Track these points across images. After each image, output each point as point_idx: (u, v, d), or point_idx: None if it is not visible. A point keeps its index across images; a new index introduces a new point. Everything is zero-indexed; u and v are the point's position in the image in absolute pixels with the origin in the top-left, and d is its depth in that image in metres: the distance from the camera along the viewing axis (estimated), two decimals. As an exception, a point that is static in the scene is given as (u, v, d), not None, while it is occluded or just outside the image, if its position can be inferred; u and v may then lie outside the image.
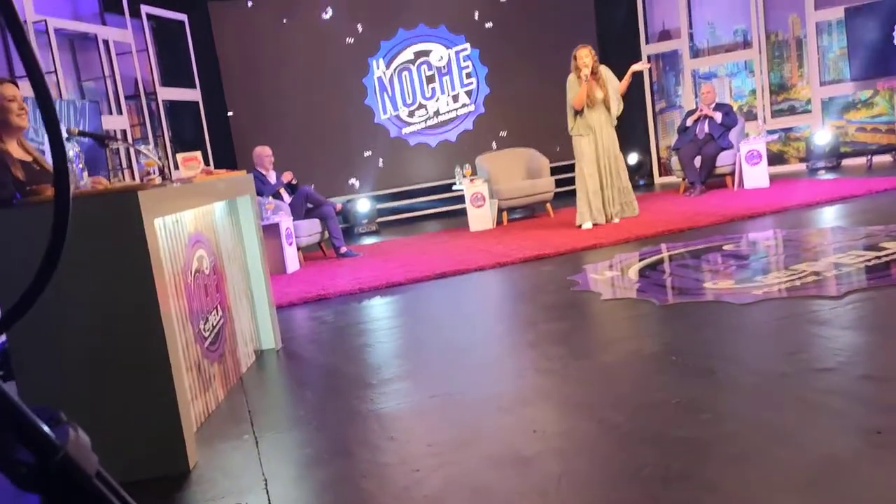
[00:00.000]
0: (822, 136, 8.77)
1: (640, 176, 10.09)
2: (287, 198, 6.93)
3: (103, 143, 3.11)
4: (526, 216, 8.37)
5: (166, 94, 7.93)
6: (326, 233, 6.99)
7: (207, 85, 8.59)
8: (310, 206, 6.96)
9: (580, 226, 6.61)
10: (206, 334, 2.89)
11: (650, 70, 10.05)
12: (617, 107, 6.67)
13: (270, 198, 6.50)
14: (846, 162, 8.79)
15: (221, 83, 8.79)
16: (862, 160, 8.53)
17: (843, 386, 2.30)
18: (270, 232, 6.28)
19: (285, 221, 6.35)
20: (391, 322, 4.21)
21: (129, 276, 2.21)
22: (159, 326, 2.22)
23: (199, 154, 3.30)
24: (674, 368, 2.70)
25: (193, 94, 8.37)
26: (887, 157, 8.52)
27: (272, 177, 6.94)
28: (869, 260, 3.88)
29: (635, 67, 6.95)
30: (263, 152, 6.96)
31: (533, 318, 3.87)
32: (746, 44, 9.47)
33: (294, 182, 7.01)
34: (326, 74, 9.09)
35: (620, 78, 6.74)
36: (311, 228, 6.88)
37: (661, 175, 10.17)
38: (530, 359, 3.11)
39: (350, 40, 9.13)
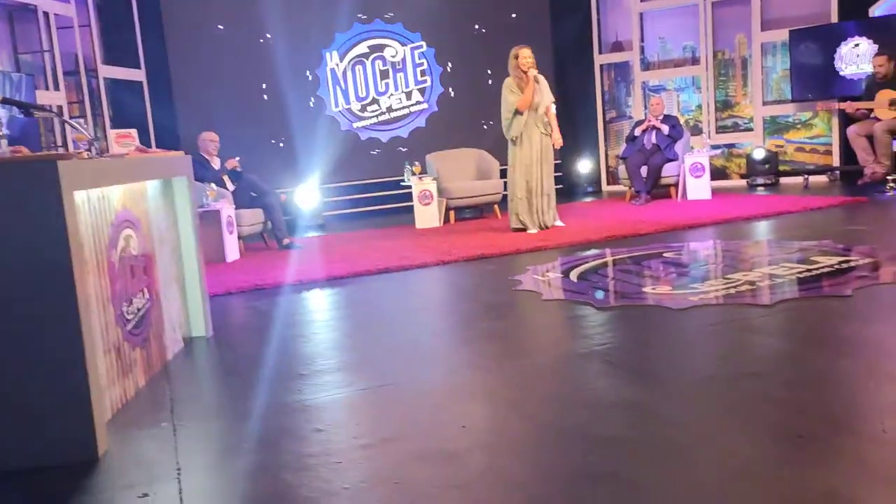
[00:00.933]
0: (763, 153, 9.00)
1: (587, 183, 10.19)
2: (231, 185, 6.77)
3: (29, 113, 2.96)
4: (474, 217, 8.36)
5: (108, 72, 7.66)
6: (270, 223, 6.85)
7: (153, 65, 8.34)
8: (254, 195, 6.82)
9: (513, 228, 6.52)
10: (130, 317, 2.77)
11: (601, 80, 10.17)
12: (548, 103, 6.53)
13: (213, 184, 6.33)
14: (784, 180, 9.03)
15: (168, 64, 8.54)
16: (799, 179, 8.77)
17: (767, 391, 2.32)
18: (210, 219, 6.12)
19: (227, 209, 6.20)
20: (328, 314, 4.13)
21: (43, 250, 2.09)
22: (73, 305, 2.10)
23: (134, 131, 3.17)
24: (607, 369, 2.70)
25: (137, 74, 8.12)
26: (823, 178, 8.78)
27: (216, 163, 6.77)
28: (800, 272, 3.97)
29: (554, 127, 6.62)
30: (209, 137, 6.79)
31: (472, 315, 3.84)
32: (695, 60, 9.65)
33: (239, 169, 6.85)
34: (279, 62, 8.92)
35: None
36: (253, 218, 6.73)
37: (608, 184, 10.29)
38: (465, 355, 3.08)
39: (305, 30, 8.98)
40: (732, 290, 3.70)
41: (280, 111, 8.96)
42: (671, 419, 2.17)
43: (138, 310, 2.87)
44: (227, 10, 8.79)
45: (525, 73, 6.45)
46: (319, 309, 4.29)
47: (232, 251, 6.26)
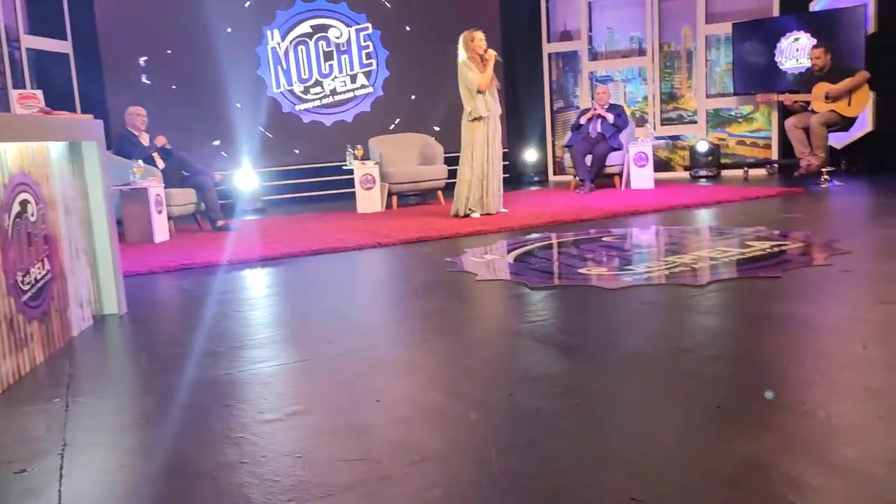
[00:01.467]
0: (705, 145, 9.08)
1: (533, 172, 10.16)
2: (161, 163, 6.50)
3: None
4: (417, 203, 8.23)
5: (32, 42, 7.28)
6: (203, 204, 6.61)
7: (81, 38, 7.96)
8: (186, 174, 6.57)
9: (462, 214, 6.45)
10: (25, 288, 2.57)
11: (550, 69, 10.14)
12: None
13: (140, 161, 6.06)
14: (725, 172, 9.13)
15: (97, 37, 8.18)
16: (739, 172, 8.88)
17: (693, 365, 2.26)
18: (138, 197, 5.88)
19: (155, 187, 5.95)
20: (255, 293, 3.96)
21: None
22: (-53, 264, 1.91)
23: (39, 93, 2.96)
24: (536, 346, 2.61)
25: (64, 46, 7.75)
26: (762, 171, 8.90)
27: (145, 139, 6.50)
28: (735, 256, 3.95)
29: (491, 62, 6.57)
30: (136, 111, 6.51)
31: (403, 295, 3.72)
32: (641, 51, 9.69)
33: (169, 147, 6.59)
34: (216, 38, 8.64)
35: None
36: (185, 198, 6.49)
37: (555, 173, 10.29)
38: (392, 333, 2.96)
39: (245, 4, 8.72)
40: (667, 272, 3.65)
41: (218, 90, 8.68)
42: (597, 393, 2.08)
43: (36, 280, 2.67)
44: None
45: (481, 54, 6.37)
46: (247, 288, 4.12)
47: (161, 231, 6.01)
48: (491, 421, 1.94)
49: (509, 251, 4.65)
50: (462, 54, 6.43)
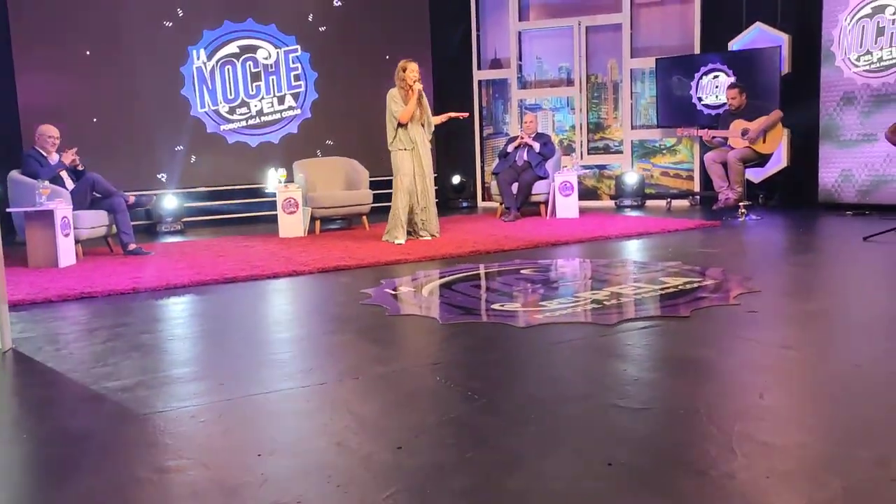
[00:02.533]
0: (630, 176, 9.25)
1: (462, 198, 10.16)
2: (69, 183, 6.22)
3: None
4: (342, 227, 8.11)
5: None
6: (115, 226, 6.34)
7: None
8: (97, 195, 6.30)
9: (390, 241, 6.45)
10: None
11: (480, 96, 10.20)
12: (430, 129, 6.66)
13: (47, 182, 5.78)
14: (650, 202, 9.31)
15: (10, 47, 7.81)
16: (663, 202, 9.06)
17: (590, 415, 2.22)
18: (42, 219, 5.60)
19: (62, 209, 5.67)
20: (152, 327, 3.77)
21: None
22: None
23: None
24: (436, 390, 2.53)
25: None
26: (685, 202, 9.11)
27: (54, 159, 6.21)
28: (647, 292, 3.97)
29: (453, 114, 6.99)
30: (47, 131, 6.22)
31: (310, 331, 3.60)
32: (569, 82, 9.84)
33: (80, 167, 6.31)
34: (138, 56, 8.38)
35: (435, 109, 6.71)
36: (96, 220, 6.21)
37: (484, 199, 10.30)
38: (290, 373, 2.83)
39: (168, 24, 8.49)
40: (579, 309, 3.64)
41: (139, 107, 8.40)
42: (491, 445, 2.01)
43: None
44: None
45: (411, 86, 6.39)
46: (146, 321, 3.91)
47: (67, 256, 5.73)
48: (375, 480, 1.84)
49: (426, 283, 4.58)
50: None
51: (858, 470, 1.76)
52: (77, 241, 5.98)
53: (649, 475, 1.77)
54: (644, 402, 2.32)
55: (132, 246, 6.24)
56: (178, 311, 4.15)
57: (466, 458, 1.93)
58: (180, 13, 8.53)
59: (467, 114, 7.22)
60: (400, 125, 6.44)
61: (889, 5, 7.19)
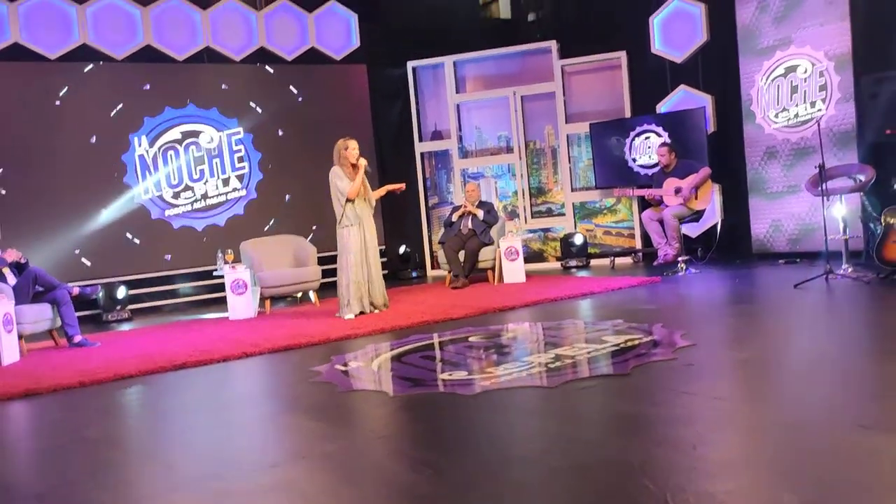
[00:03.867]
0: (574, 237, 9.50)
1: (411, 268, 10.28)
2: (12, 279, 6.14)
3: None
4: (291, 304, 8.12)
5: None
6: (59, 319, 6.25)
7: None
8: (40, 289, 6.23)
9: (341, 317, 6.49)
10: None
11: (423, 167, 10.45)
12: (371, 205, 6.78)
13: (-12, 279, 5.71)
14: (595, 262, 9.55)
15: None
16: (607, 261, 9.31)
17: (534, 475, 2.29)
18: (-16, 317, 5.50)
19: (4, 305, 5.59)
20: (99, 420, 3.73)
21: None
22: None
23: None
24: (385, 465, 2.58)
25: None
26: (628, 259, 9.38)
27: (-4, 256, 6.15)
28: (589, 352, 4.10)
29: (391, 187, 7.17)
30: (-13, 229, 6.17)
31: (260, 413, 3.61)
32: (509, 149, 10.16)
33: (23, 261, 6.26)
34: (79, 148, 8.40)
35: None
36: (39, 314, 6.12)
37: (432, 268, 10.42)
38: (236, 461, 2.83)
39: (111, 114, 8.56)
40: (525, 373, 3.73)
41: (80, 197, 8.38)
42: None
43: None
44: (21, 75, 8.21)
45: (354, 163, 6.57)
46: (93, 414, 3.87)
47: (10, 353, 5.61)
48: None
49: (375, 357, 4.64)
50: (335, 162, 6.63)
51: (781, 512, 1.86)
52: (20, 337, 5.88)
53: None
54: (583, 461, 2.41)
55: (78, 338, 6.15)
56: (125, 401, 4.12)
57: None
58: (121, 106, 8.62)
59: (404, 185, 7.35)
60: (347, 201, 6.56)
61: (799, 65, 7.70)
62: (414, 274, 10.23)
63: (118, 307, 8.21)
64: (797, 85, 7.74)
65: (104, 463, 2.93)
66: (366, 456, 2.71)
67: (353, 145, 6.67)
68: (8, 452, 3.21)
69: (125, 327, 7.58)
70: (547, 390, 3.35)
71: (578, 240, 9.46)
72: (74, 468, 2.86)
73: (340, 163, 6.63)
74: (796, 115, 7.78)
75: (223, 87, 9.34)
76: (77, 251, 8.34)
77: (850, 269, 5.96)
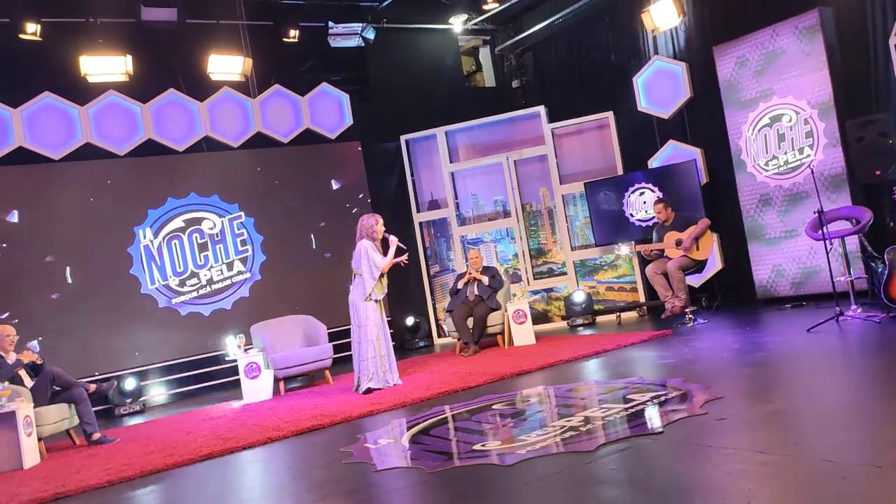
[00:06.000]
0: (578, 295, 9.58)
1: (419, 338, 10.29)
2: (29, 381, 6.14)
3: None
4: (305, 384, 8.10)
5: None
6: (77, 418, 6.22)
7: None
8: (57, 388, 6.22)
9: (367, 390, 6.44)
10: None
11: (422, 237, 10.58)
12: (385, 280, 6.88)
13: (6, 383, 5.71)
14: (600, 318, 9.60)
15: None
16: (613, 317, 9.37)
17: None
18: (5, 422, 5.49)
19: (23, 409, 5.58)
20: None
21: None
22: None
23: None
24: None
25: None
26: (634, 314, 9.44)
27: (12, 358, 6.15)
28: (618, 412, 4.13)
29: (395, 259, 7.04)
30: (3, 331, 6.19)
31: (297, 499, 3.60)
32: (506, 213, 10.32)
33: (39, 362, 6.26)
34: (86, 245, 8.50)
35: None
36: (58, 414, 6.09)
37: (439, 336, 10.44)
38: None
39: (114, 209, 8.69)
40: (559, 438, 3.75)
41: (89, 294, 8.43)
42: None
43: None
44: (23, 191, 8.36)
45: (384, 238, 6.79)
46: (129, 513, 3.85)
47: (30, 456, 5.57)
48: None
49: (403, 433, 4.63)
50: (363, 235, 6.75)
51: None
52: (39, 439, 5.84)
53: None
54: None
55: (96, 435, 6.11)
56: (157, 499, 4.09)
57: None
58: (125, 202, 8.77)
59: (406, 255, 7.27)
60: (381, 275, 6.68)
61: (784, 114, 7.94)
62: (421, 343, 10.24)
63: (129, 400, 8.18)
64: (784, 133, 7.97)
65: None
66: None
67: (381, 221, 6.85)
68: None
69: (138, 420, 7.53)
70: (584, 454, 3.37)
71: (582, 297, 9.53)
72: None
73: (371, 237, 6.75)
74: (786, 162, 7.99)
75: (222, 173, 9.51)
76: (89, 345, 8.34)
77: (859, 310, 6.05)
